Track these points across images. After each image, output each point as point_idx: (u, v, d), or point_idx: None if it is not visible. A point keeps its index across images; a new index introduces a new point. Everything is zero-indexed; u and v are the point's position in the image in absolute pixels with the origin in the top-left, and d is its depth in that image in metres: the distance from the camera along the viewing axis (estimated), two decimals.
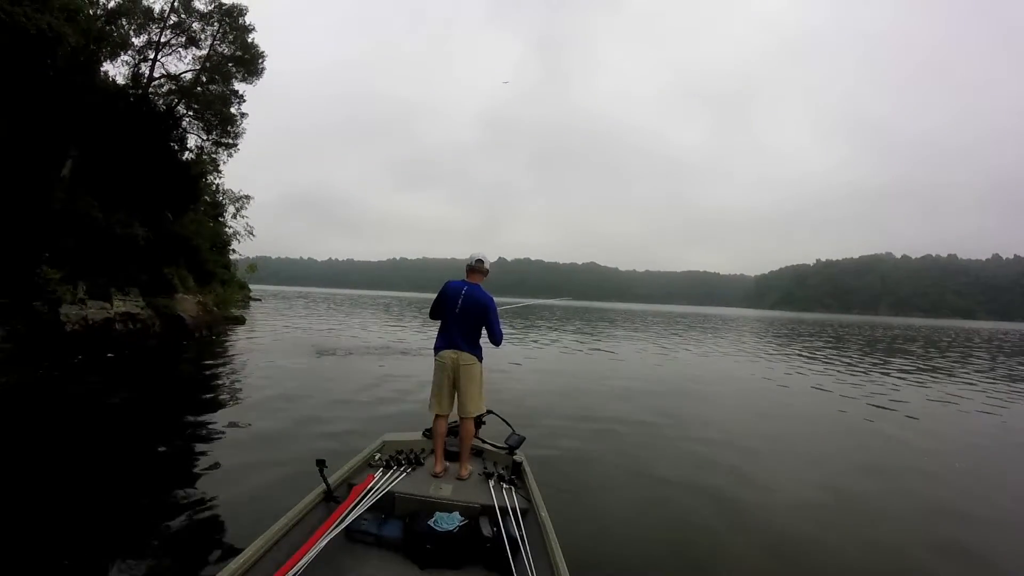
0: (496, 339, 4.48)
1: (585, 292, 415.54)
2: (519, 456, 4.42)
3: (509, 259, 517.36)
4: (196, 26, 18.49)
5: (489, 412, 5.08)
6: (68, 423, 7.39)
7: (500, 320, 4.50)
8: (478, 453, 4.67)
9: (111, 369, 11.60)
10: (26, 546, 3.85)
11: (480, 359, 4.45)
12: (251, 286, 63.35)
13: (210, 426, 7.41)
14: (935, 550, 4.70)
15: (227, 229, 41.29)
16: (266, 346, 16.83)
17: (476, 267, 4.57)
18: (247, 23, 19.39)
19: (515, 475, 4.18)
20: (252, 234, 43.56)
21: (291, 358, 14.14)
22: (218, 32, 18.93)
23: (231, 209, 41.88)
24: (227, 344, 16.93)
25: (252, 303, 45.33)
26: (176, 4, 18.19)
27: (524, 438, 4.74)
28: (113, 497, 4.82)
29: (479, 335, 4.49)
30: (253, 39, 19.68)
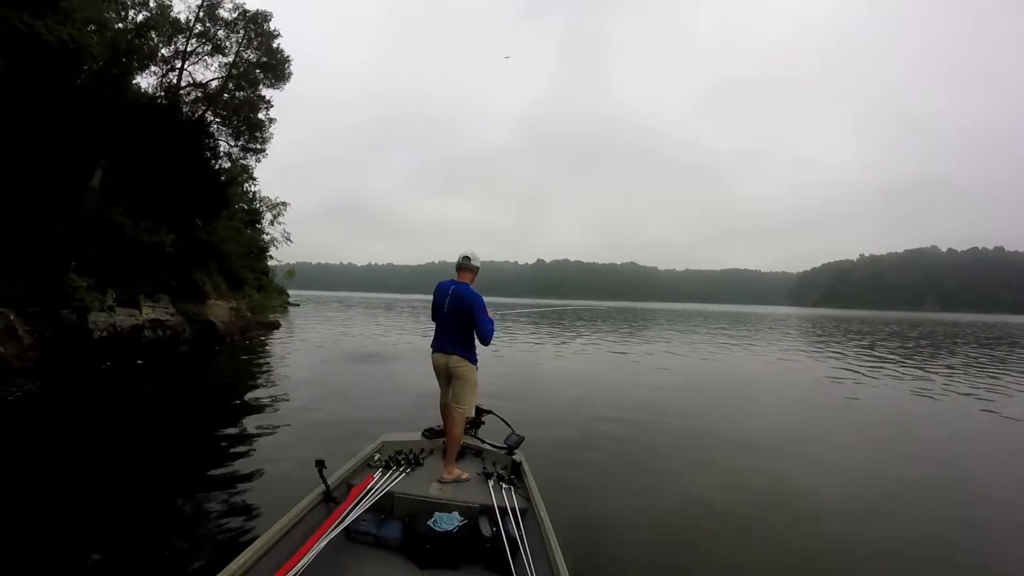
0: (484, 339, 4.35)
1: (624, 292, 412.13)
2: (518, 456, 4.38)
3: (548, 260, 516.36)
4: (221, 33, 18.65)
5: (489, 412, 5.12)
6: (86, 429, 7.45)
7: (490, 320, 4.38)
8: (477, 453, 4.68)
9: (139, 375, 11.69)
10: (29, 545, 3.96)
11: (473, 362, 4.42)
12: (291, 291, 64.29)
13: (227, 430, 7.43)
14: None
15: (264, 236, 41.83)
16: (297, 351, 16.91)
17: (463, 264, 4.51)
18: (272, 29, 19.51)
19: (514, 475, 4.15)
20: (290, 240, 43.97)
21: (321, 364, 14.15)
22: (243, 39, 19.05)
23: (268, 216, 42.39)
24: (259, 350, 17.02)
25: (290, 308, 45.87)
26: (201, 13, 18.35)
27: (523, 438, 4.69)
28: (121, 498, 4.89)
29: (471, 336, 4.41)
30: (279, 44, 19.80)
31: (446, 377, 4.50)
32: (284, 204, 43.27)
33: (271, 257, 43.01)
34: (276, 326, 24.38)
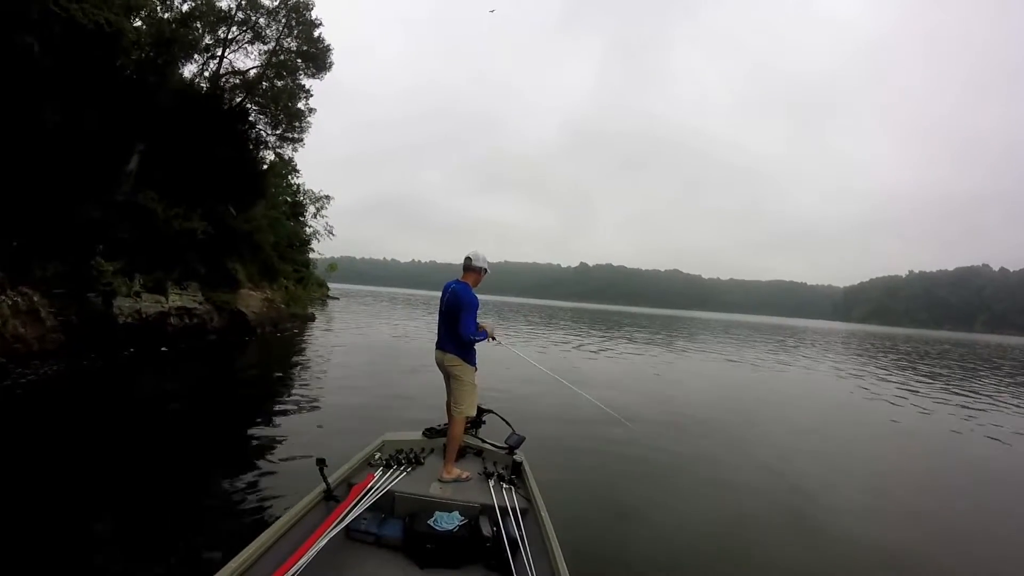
0: (460, 336, 4.33)
1: (668, 300, 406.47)
2: (519, 456, 4.39)
3: (591, 264, 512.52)
4: (262, 21, 18.59)
5: (490, 411, 5.14)
6: (92, 416, 7.28)
7: (476, 329, 4.40)
8: (478, 453, 4.69)
9: (161, 363, 11.55)
10: (22, 540, 3.88)
11: (469, 362, 4.42)
12: (334, 285, 65.07)
13: (235, 424, 7.35)
14: None
15: (307, 228, 42.17)
16: (326, 347, 16.65)
17: (465, 265, 4.54)
18: (313, 18, 19.34)
19: (515, 475, 4.16)
20: (332, 234, 44.27)
21: (346, 361, 13.80)
22: (284, 27, 18.97)
23: (311, 209, 42.72)
24: (289, 342, 16.87)
25: (329, 301, 46.08)
26: (243, 1, 18.31)
27: (524, 438, 4.66)
28: (121, 490, 4.85)
29: None
30: (320, 34, 19.60)
31: (445, 374, 4.55)
32: (328, 197, 43.57)
33: (312, 250, 43.38)
34: (311, 319, 24.32)
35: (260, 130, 19.60)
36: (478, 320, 4.46)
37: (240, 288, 17.46)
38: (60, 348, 10.55)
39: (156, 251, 13.40)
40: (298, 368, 12.26)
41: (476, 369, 4.47)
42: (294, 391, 9.68)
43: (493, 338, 4.68)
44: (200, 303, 14.45)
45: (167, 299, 13.21)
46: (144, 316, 12.42)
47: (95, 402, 8.09)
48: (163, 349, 12.42)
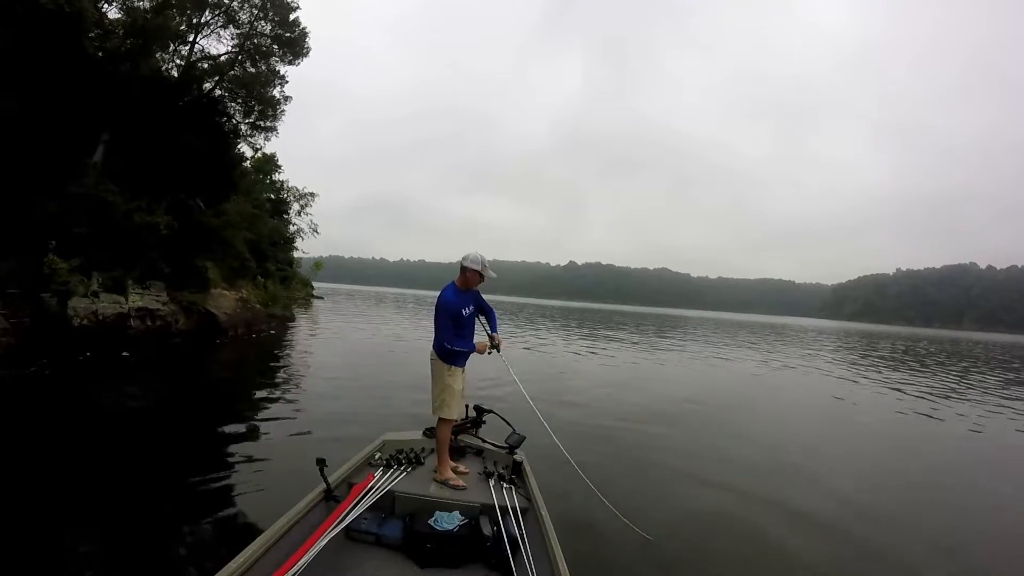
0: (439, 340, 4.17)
1: (657, 298, 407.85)
2: (519, 455, 4.36)
3: (580, 263, 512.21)
4: (235, 4, 17.55)
5: (489, 411, 5.12)
6: (45, 423, 6.93)
7: (446, 331, 4.10)
8: (478, 452, 4.65)
9: (122, 368, 10.77)
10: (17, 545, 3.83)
11: (445, 359, 4.15)
12: (320, 284, 63.96)
13: (216, 429, 7.04)
14: None
15: (291, 226, 41.26)
16: (303, 347, 16.12)
17: (461, 265, 4.30)
18: (289, 0, 18.32)
19: (515, 474, 4.13)
20: (316, 231, 43.49)
21: (325, 361, 13.30)
22: (258, 10, 17.97)
23: (295, 206, 41.83)
24: (263, 344, 16.13)
25: (313, 301, 44.85)
26: None
27: (524, 437, 4.62)
28: (107, 500, 4.72)
29: (443, 332, 4.21)
30: (296, 17, 18.63)
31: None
32: (312, 195, 42.74)
33: (296, 248, 42.46)
34: (290, 319, 23.44)
35: (234, 119, 18.53)
36: (479, 337, 4.35)
37: (211, 287, 16.50)
38: (8, 353, 9.69)
39: (115, 247, 12.44)
40: (274, 369, 11.70)
41: (459, 370, 4.22)
42: (272, 392, 9.40)
43: (485, 350, 4.38)
44: (164, 304, 13.47)
45: (127, 299, 12.24)
46: (101, 318, 11.48)
47: (57, 411, 7.60)
48: (124, 354, 11.58)
